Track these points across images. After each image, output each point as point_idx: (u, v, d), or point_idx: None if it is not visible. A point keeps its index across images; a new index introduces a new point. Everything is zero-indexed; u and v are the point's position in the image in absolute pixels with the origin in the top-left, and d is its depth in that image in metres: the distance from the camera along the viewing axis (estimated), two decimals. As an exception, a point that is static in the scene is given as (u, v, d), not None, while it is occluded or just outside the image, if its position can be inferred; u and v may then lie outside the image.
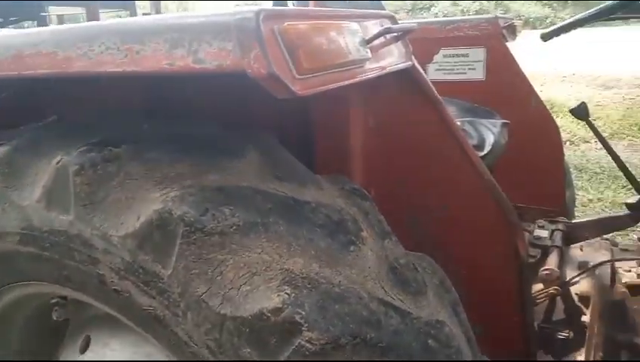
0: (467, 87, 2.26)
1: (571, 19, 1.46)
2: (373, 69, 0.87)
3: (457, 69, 2.32)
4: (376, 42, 0.89)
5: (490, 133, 1.59)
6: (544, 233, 1.73)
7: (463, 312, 0.92)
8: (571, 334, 1.53)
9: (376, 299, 0.74)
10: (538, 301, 1.50)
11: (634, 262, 1.53)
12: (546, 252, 1.64)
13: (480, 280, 1.16)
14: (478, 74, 2.25)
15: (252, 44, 0.58)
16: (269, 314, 0.67)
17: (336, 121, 1.12)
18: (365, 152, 1.15)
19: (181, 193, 0.75)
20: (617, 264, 1.54)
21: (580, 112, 1.63)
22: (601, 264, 1.50)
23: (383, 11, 1.03)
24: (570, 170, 4.68)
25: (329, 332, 0.67)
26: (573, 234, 1.78)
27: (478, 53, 2.23)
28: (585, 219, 1.84)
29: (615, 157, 1.66)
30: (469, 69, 2.28)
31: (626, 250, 1.63)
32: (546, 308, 1.56)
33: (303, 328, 0.66)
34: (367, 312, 0.71)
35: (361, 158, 1.15)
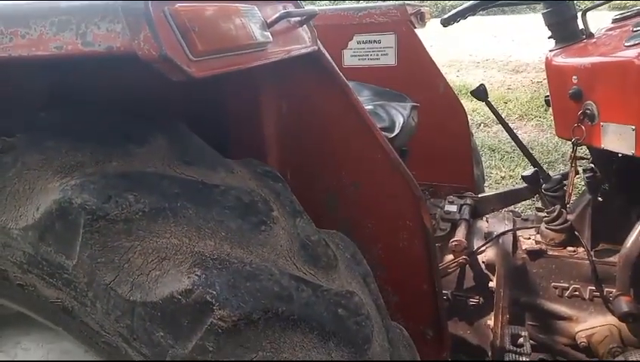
0: (381, 72, 2.34)
1: (466, 5, 1.56)
2: (275, 52, 0.88)
3: (371, 55, 2.39)
4: (279, 26, 0.90)
5: (400, 115, 1.67)
6: (453, 208, 1.84)
7: (373, 282, 0.98)
8: (481, 300, 1.66)
9: (288, 275, 0.77)
10: (449, 270, 1.61)
11: (533, 230, 1.67)
12: (455, 225, 1.76)
13: (392, 253, 1.22)
14: (390, 59, 2.34)
15: (141, 25, 0.57)
16: (180, 297, 0.68)
17: (248, 106, 1.13)
18: (279, 136, 1.17)
19: (82, 181, 0.73)
20: (519, 233, 1.68)
21: (480, 94, 1.76)
22: (504, 233, 1.63)
23: (288, -5, 1.04)
24: (485, 149, 4.98)
25: (241, 309, 0.69)
26: (480, 208, 1.92)
27: (389, 40, 2.32)
28: (489, 193, 1.98)
29: (512, 135, 1.81)
30: (382, 54, 2.36)
31: (527, 220, 1.77)
32: (457, 276, 1.68)
33: (215, 307, 0.68)
34: (279, 288, 0.74)
35: (275, 142, 1.17)
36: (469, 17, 1.67)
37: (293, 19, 1.01)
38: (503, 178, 4.50)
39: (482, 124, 5.72)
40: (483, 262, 1.65)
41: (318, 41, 1.10)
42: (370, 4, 2.43)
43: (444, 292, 1.69)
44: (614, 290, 1.43)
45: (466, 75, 8.11)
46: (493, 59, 8.87)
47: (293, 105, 1.15)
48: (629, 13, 1.41)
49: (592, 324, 1.51)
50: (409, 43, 2.29)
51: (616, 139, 1.25)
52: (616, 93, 1.24)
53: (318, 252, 0.85)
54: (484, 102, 1.77)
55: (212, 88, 1.04)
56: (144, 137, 0.85)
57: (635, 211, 1.44)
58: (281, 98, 1.15)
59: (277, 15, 0.88)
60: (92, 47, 0.61)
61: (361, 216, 1.19)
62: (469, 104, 6.40)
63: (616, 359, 1.38)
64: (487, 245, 1.65)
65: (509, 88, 7.35)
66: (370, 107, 1.69)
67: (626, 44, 1.22)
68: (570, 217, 1.59)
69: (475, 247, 1.66)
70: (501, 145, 5.08)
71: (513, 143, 5.38)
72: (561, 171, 1.72)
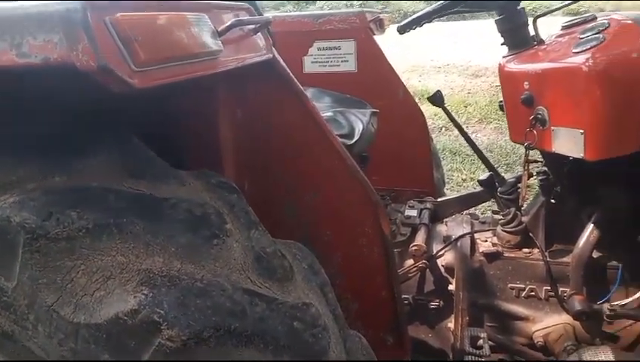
0: (341, 79, 2.35)
1: (421, 13, 1.58)
2: (227, 61, 0.87)
3: (331, 62, 2.40)
4: (232, 34, 0.89)
5: (359, 122, 1.67)
6: (413, 212, 1.86)
7: (331, 292, 0.97)
8: (441, 303, 1.68)
9: (241, 289, 0.75)
10: (410, 275, 1.62)
11: (490, 232, 1.70)
12: (415, 230, 1.77)
13: (351, 260, 1.22)
14: (350, 66, 2.35)
15: (79, 35, 0.55)
16: (126, 317, 0.65)
17: (203, 115, 1.11)
18: (235, 146, 1.16)
19: (21, 198, 0.69)
20: (477, 235, 1.71)
21: (436, 100, 1.78)
22: (461, 237, 1.66)
23: (239, 2, 1.03)
24: (446, 152, 5.07)
25: (190, 328, 0.67)
26: (440, 212, 1.95)
27: (349, 46, 2.33)
28: (449, 197, 2.02)
29: (468, 139, 1.84)
30: (342, 61, 2.37)
31: (484, 223, 1.81)
32: (418, 281, 1.69)
33: (163, 327, 0.65)
34: (231, 303, 0.72)
35: (232, 152, 1.15)
36: (424, 24, 1.69)
37: (247, 27, 1.00)
38: (464, 180, 4.59)
39: (444, 128, 5.83)
40: (442, 265, 1.67)
41: (274, 49, 1.09)
42: (330, 10, 2.44)
43: (405, 296, 1.70)
44: (568, 290, 1.48)
45: (427, 80, 8.26)
46: (454, 64, 9.08)
47: (249, 114, 1.13)
48: (577, 20, 1.46)
49: (548, 323, 1.55)
50: (368, 49, 2.30)
51: (566, 143, 1.29)
52: (566, 99, 1.28)
53: (273, 264, 0.83)
54: (440, 108, 1.80)
55: (166, 98, 1.01)
56: (90, 150, 0.82)
57: (586, 212, 1.49)
58: (236, 107, 1.13)
59: (228, 23, 0.86)
60: (28, 59, 0.58)
61: (320, 225, 1.19)
62: (431, 108, 6.49)
63: (569, 358, 1.42)
64: (445, 249, 1.67)
65: (469, 92, 7.53)
66: (329, 114, 1.69)
67: (574, 50, 1.26)
68: (524, 219, 1.63)
69: (435, 251, 1.68)
70: (462, 148, 5.18)
71: (473, 147, 5.47)
72: (517, 174, 1.76)
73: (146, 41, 0.61)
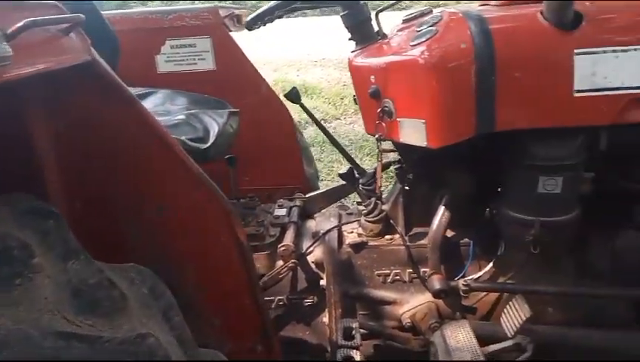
0: (200, 78, 2.25)
1: (265, 8, 1.54)
2: (23, 67, 0.74)
3: (188, 60, 2.28)
4: (33, 36, 0.77)
5: (215, 123, 1.60)
6: (282, 211, 1.84)
7: (177, 315, 0.90)
8: (315, 299, 1.68)
9: (53, 334, 0.65)
10: (281, 276, 1.60)
11: (356, 223, 1.73)
12: (284, 229, 1.75)
13: (208, 274, 1.15)
14: (208, 64, 2.26)
15: None
16: None
17: (15, 131, 0.96)
18: (60, 163, 1.02)
19: None
20: (344, 227, 1.73)
21: (292, 97, 1.77)
22: (328, 231, 1.67)
23: (44, 1, 0.90)
24: (325, 145, 5.15)
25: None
26: (309, 208, 1.95)
27: (205, 43, 2.23)
28: (316, 193, 2.02)
29: (326, 133, 1.86)
30: (199, 59, 2.26)
31: (351, 214, 1.84)
32: (291, 280, 1.67)
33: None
34: (39, 352, 0.62)
35: (56, 171, 1.01)
36: (276, 20, 1.66)
37: (55, 27, 0.87)
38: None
39: (322, 120, 5.93)
40: (313, 261, 1.67)
41: (92, 50, 0.97)
42: (181, 7, 2.31)
43: (279, 297, 1.68)
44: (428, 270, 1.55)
45: (305, 74, 8.35)
46: (329, 58, 9.28)
47: (71, 126, 1.00)
48: (415, 14, 1.52)
49: (414, 304, 1.62)
50: (225, 46, 2.23)
51: (411, 133, 1.34)
52: (407, 90, 1.33)
53: (97, 296, 0.74)
54: (297, 104, 1.79)
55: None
56: None
57: (438, 195, 1.57)
58: (55, 118, 0.99)
59: (20, 25, 0.74)
60: None
61: (169, 242, 1.10)
62: (310, 101, 6.59)
63: (434, 334, 1.49)
64: (314, 245, 1.66)
65: (344, 85, 7.74)
66: (181, 117, 1.59)
67: (412, 43, 1.31)
68: (385, 207, 1.68)
69: (305, 248, 1.67)
70: (340, 139, 5.29)
71: (351, 137, 5.66)
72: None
73: None
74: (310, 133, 5.52)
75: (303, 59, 9.34)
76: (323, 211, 1.94)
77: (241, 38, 2.26)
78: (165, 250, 1.09)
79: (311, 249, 1.67)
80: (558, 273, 1.51)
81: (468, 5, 1.53)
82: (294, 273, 1.66)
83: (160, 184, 1.06)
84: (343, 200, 2.28)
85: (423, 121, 1.28)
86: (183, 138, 1.41)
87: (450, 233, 1.63)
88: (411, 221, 1.67)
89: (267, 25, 1.70)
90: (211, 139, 1.50)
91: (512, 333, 1.34)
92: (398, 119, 1.38)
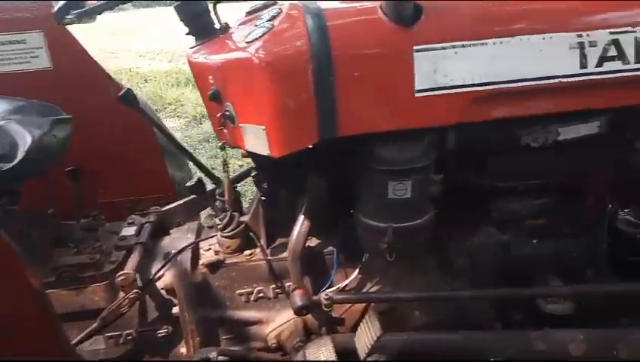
0: (37, 79, 1.96)
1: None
2: None
3: (19, 58, 1.97)
4: None
5: (29, 135, 1.34)
6: (131, 230, 1.63)
7: None
8: (170, 329, 1.50)
9: None
10: (122, 309, 1.40)
11: (215, 238, 1.57)
12: (130, 252, 1.54)
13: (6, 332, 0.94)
14: (43, 62, 1.96)
15: None
16: None
17: None
18: None
19: None
20: (201, 244, 1.56)
21: (127, 100, 1.56)
22: (180, 251, 1.49)
23: None
24: (205, 143, 4.85)
25: None
26: (166, 223, 1.75)
27: (37, 39, 1.93)
28: (173, 205, 1.83)
29: (171, 138, 1.67)
30: (32, 57, 1.96)
31: (212, 227, 1.67)
32: (139, 311, 1.48)
33: None
34: None
35: None
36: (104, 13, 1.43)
37: None
38: (241, 166, 4.43)
39: (194, 120, 5.47)
40: (163, 288, 1.48)
41: None
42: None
43: (127, 331, 1.48)
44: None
45: (160, 65, 7.74)
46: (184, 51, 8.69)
47: None
48: (259, 5, 1.38)
49: (279, 322, 1.50)
50: (62, 43, 1.94)
51: (254, 140, 1.20)
52: (245, 93, 1.19)
53: None
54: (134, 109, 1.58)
55: None
56: None
57: (300, 201, 1.46)
58: None
59: None
60: None
61: None
62: (192, 93, 6.01)
63: (298, 354, 1.38)
64: (164, 268, 1.48)
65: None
66: None
67: (247, 40, 1.16)
68: (245, 219, 1.53)
69: (153, 274, 1.48)
70: (212, 136, 4.92)
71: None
72: (239, 172, 1.66)
73: None
74: (207, 128, 5.10)
75: (159, 49, 8.68)
76: (183, 226, 1.74)
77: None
78: None
79: (161, 273, 1.48)
80: (420, 276, 1.46)
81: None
82: (142, 303, 1.46)
83: None
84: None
85: (263, 127, 1.15)
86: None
87: (315, 241, 1.52)
88: (274, 232, 1.54)
89: (95, 18, 1.48)
90: (19, 156, 1.25)
91: (365, 354, 1.27)
92: (240, 125, 1.23)
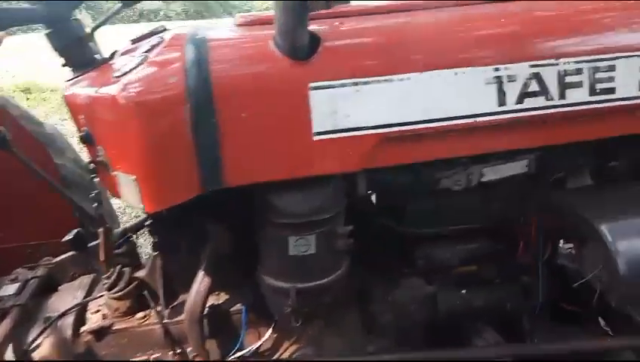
0: None
1: None
2: None
3: None
4: None
5: None
6: (12, 288, 1.40)
7: None
8: None
9: None
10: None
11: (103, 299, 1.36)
12: (5, 316, 1.32)
13: None
14: None
15: None
16: None
17: None
18: None
19: None
20: (91, 305, 1.35)
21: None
22: (62, 315, 1.27)
23: None
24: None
25: None
26: (56, 277, 1.53)
27: None
28: (67, 255, 1.60)
29: (49, 181, 1.46)
30: None
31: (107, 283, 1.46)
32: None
33: None
34: None
35: None
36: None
37: None
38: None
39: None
40: (39, 360, 1.26)
41: None
42: None
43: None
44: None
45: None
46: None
47: None
48: (145, 33, 1.20)
49: (181, 394, 1.29)
50: None
51: (127, 192, 1.01)
52: (114, 137, 1.00)
53: None
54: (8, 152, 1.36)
55: None
56: None
57: (203, 252, 1.27)
58: None
59: None
60: None
61: None
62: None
63: None
64: (42, 336, 1.26)
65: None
66: None
67: (115, 75, 0.98)
68: (141, 274, 1.34)
69: (30, 342, 1.26)
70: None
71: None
72: (132, 223, 1.45)
73: None
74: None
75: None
76: (75, 281, 1.51)
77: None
78: None
79: (37, 342, 1.26)
80: (342, 335, 1.30)
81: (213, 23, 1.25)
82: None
83: None
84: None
85: (134, 177, 0.96)
86: None
87: (223, 298, 1.34)
88: (174, 290, 1.34)
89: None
90: None
91: None
92: (113, 173, 1.04)
